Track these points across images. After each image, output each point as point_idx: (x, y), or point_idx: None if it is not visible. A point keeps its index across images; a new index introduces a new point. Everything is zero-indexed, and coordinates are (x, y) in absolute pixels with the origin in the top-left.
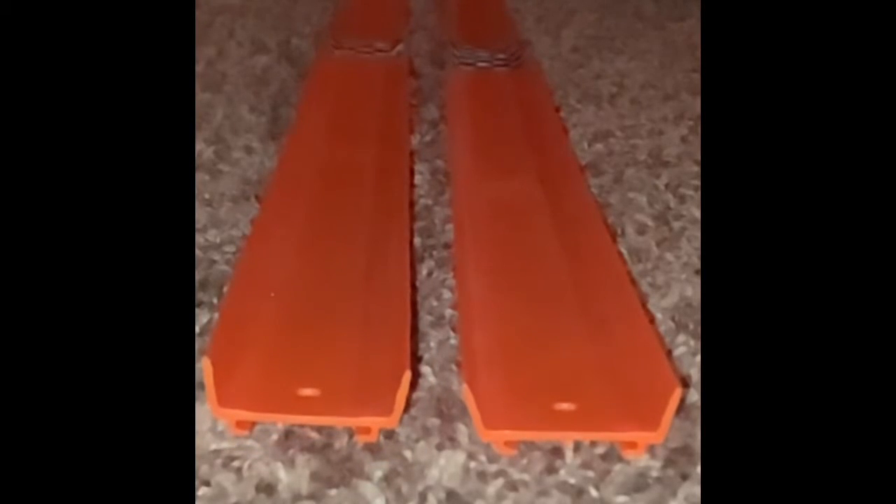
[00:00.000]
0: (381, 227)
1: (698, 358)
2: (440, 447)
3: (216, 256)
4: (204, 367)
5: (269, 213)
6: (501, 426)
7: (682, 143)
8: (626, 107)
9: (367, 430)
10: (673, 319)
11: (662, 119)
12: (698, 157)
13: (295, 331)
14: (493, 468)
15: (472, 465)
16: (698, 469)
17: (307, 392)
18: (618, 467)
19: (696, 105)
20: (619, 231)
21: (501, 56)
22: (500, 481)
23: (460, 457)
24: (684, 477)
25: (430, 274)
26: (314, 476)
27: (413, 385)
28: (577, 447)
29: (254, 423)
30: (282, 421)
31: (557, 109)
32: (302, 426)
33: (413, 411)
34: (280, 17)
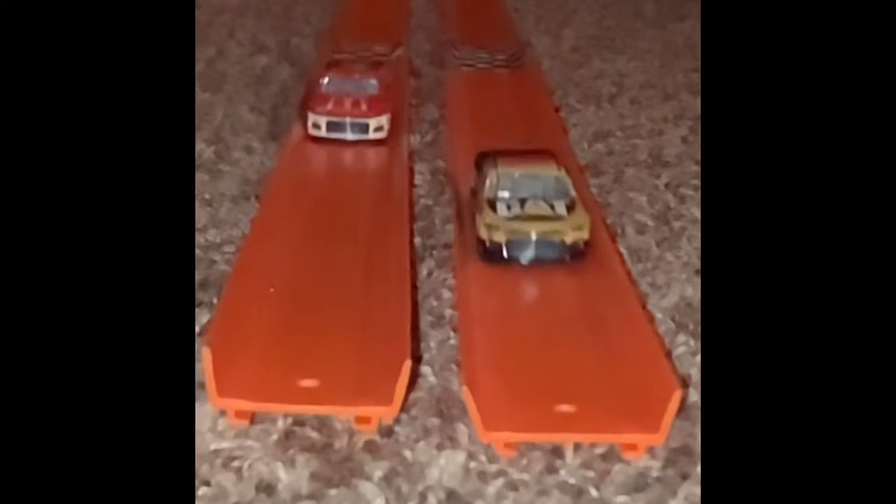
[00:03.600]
0: (381, 226)
1: (698, 358)
2: (440, 447)
3: (216, 256)
4: (204, 357)
5: (268, 212)
6: (501, 428)
7: (682, 143)
8: (626, 107)
9: (366, 421)
10: (673, 319)
11: (662, 119)
12: (698, 157)
13: (295, 322)
14: (493, 468)
15: (472, 465)
16: (698, 469)
17: (307, 382)
18: (618, 467)
19: (696, 105)
20: (619, 231)
21: (501, 57)
22: (500, 481)
23: (460, 457)
24: (684, 477)
25: (430, 274)
26: (314, 476)
27: (413, 385)
28: (577, 447)
29: (253, 414)
30: (281, 411)
31: (557, 109)
32: (302, 425)
33: (413, 411)
34: (280, 17)
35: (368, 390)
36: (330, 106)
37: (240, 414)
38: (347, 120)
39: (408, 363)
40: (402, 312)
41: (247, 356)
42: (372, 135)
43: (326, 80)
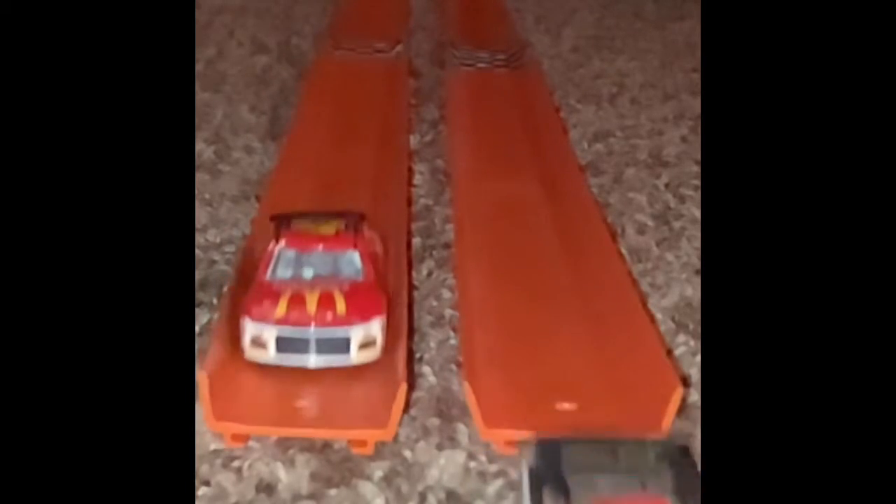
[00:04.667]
0: (380, 227)
1: (698, 358)
2: (440, 447)
3: (216, 256)
4: (199, 381)
5: (268, 212)
6: (502, 425)
7: (682, 143)
8: (626, 107)
9: (362, 444)
10: (673, 319)
11: (662, 119)
12: (698, 157)
13: None
14: (493, 468)
15: (472, 465)
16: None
17: (303, 405)
18: None
19: (696, 105)
20: (619, 231)
21: (501, 56)
22: (500, 481)
23: (460, 457)
24: None
25: (430, 274)
26: (314, 476)
27: (413, 385)
28: None
29: (249, 436)
30: (277, 434)
31: (557, 109)
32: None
33: (413, 411)
34: (280, 17)
35: (364, 413)
36: (281, 308)
37: (236, 437)
38: (312, 332)
39: (403, 386)
40: (399, 331)
41: (243, 378)
42: (356, 356)
43: (276, 253)
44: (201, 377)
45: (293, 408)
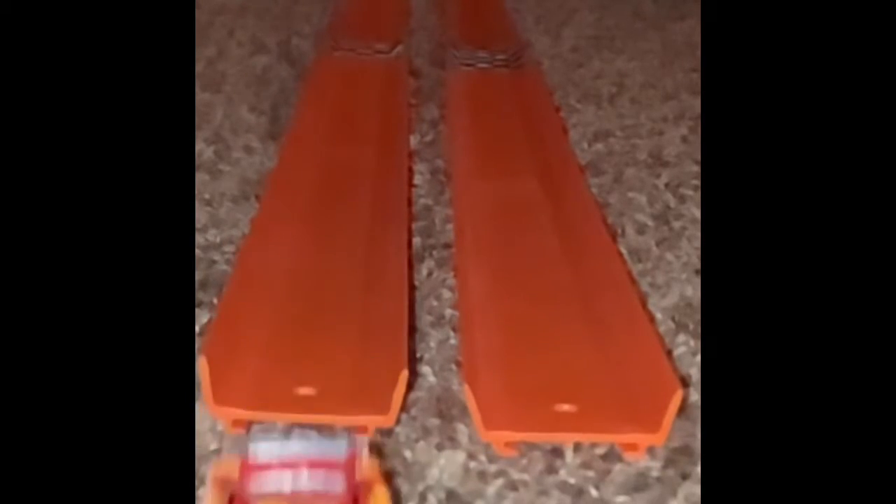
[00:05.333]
0: (380, 226)
1: (698, 358)
2: (440, 447)
3: (216, 256)
4: (200, 366)
5: (268, 212)
6: (502, 427)
7: (682, 143)
8: (626, 107)
9: (364, 429)
10: (673, 319)
11: (662, 119)
12: (698, 157)
13: (292, 330)
14: (493, 468)
15: (472, 465)
16: (698, 469)
17: (304, 391)
18: (618, 467)
19: (696, 105)
20: (619, 231)
21: (501, 57)
22: (500, 481)
23: (460, 457)
24: (684, 476)
25: (430, 274)
26: None
27: (412, 385)
28: (577, 447)
29: (250, 422)
30: (279, 420)
31: (557, 109)
32: (303, 424)
33: (413, 411)
34: (280, 17)
35: (365, 399)
36: None
37: (237, 423)
38: None
39: (405, 373)
40: (400, 319)
41: (244, 364)
42: None
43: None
44: (202, 363)
45: (294, 393)
